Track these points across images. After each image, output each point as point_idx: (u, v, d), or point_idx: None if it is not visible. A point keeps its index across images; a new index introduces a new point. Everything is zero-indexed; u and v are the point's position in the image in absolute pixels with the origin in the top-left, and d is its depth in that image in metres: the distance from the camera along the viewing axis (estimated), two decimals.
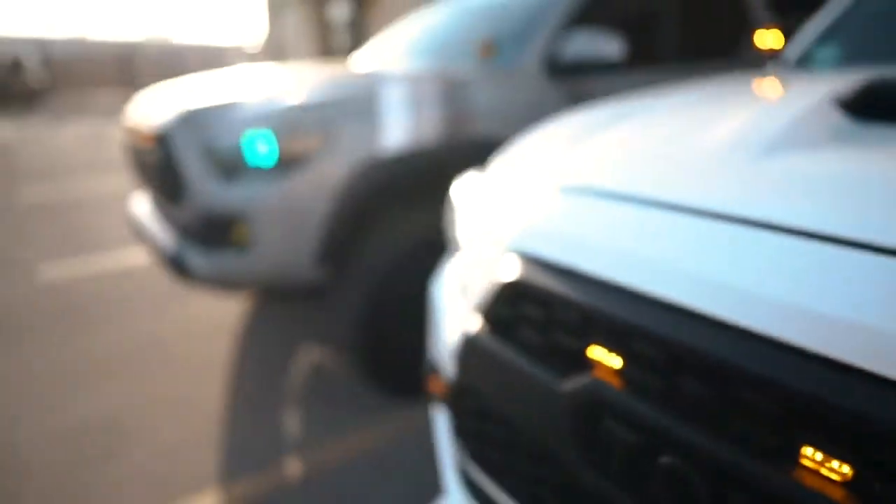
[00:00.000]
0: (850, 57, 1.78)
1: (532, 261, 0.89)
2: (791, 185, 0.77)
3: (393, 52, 3.59)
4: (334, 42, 12.60)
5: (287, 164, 2.28)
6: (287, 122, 2.27)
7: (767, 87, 1.44)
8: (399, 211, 2.51)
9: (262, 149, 2.25)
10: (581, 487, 0.80)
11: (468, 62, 2.86)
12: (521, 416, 0.87)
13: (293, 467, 2.08)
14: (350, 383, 2.69)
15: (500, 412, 0.92)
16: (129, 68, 18.38)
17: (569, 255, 0.86)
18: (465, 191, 1.40)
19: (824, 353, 0.57)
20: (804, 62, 1.85)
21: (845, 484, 0.54)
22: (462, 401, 1.00)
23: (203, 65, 21.74)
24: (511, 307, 0.90)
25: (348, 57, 3.73)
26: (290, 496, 1.91)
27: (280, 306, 3.55)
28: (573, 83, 2.98)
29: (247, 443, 2.25)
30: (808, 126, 0.99)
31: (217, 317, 3.43)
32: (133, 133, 2.79)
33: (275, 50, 14.92)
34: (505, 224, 1.05)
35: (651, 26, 3.37)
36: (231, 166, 2.30)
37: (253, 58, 19.69)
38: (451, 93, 2.60)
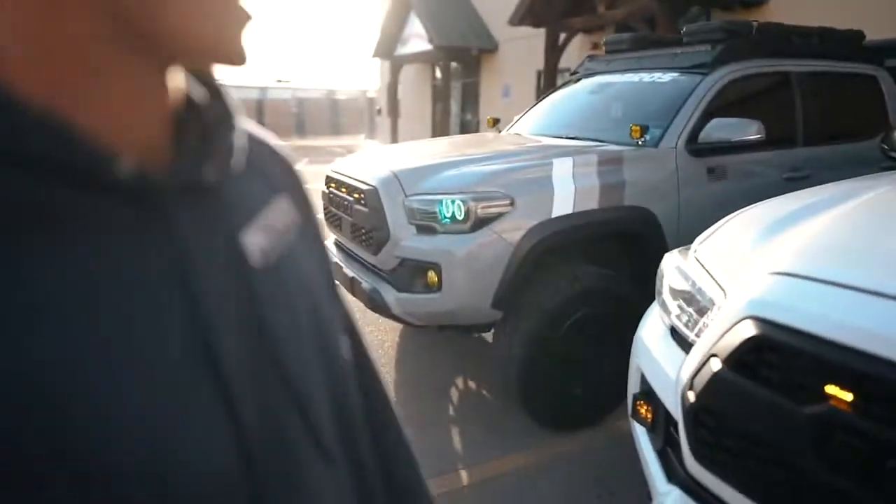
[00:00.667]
0: None
1: (770, 324, 1.28)
2: None
3: (550, 125, 4.06)
4: (441, 98, 13.48)
5: (475, 224, 2.75)
6: (478, 192, 2.75)
7: None
8: (561, 265, 2.92)
9: (456, 212, 2.73)
10: (808, 480, 1.16)
11: (623, 140, 3.28)
12: (761, 431, 1.24)
13: (459, 478, 2.48)
14: (505, 411, 3.08)
15: (739, 428, 1.29)
16: (259, 112, 20.22)
17: (801, 322, 1.23)
18: (673, 263, 1.80)
19: None
20: None
21: None
22: (701, 420, 1.38)
23: (328, 109, 23.49)
24: (753, 354, 1.28)
25: (496, 124, 4.23)
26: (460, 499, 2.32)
27: (433, 334, 3.99)
28: (710, 160, 3.34)
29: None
30: None
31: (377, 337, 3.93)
32: (338, 184, 3.37)
33: (391, 101, 16.03)
34: (732, 294, 1.44)
35: (779, 112, 3.70)
36: (428, 224, 2.80)
37: (372, 105, 21.02)
38: (610, 167, 3.02)
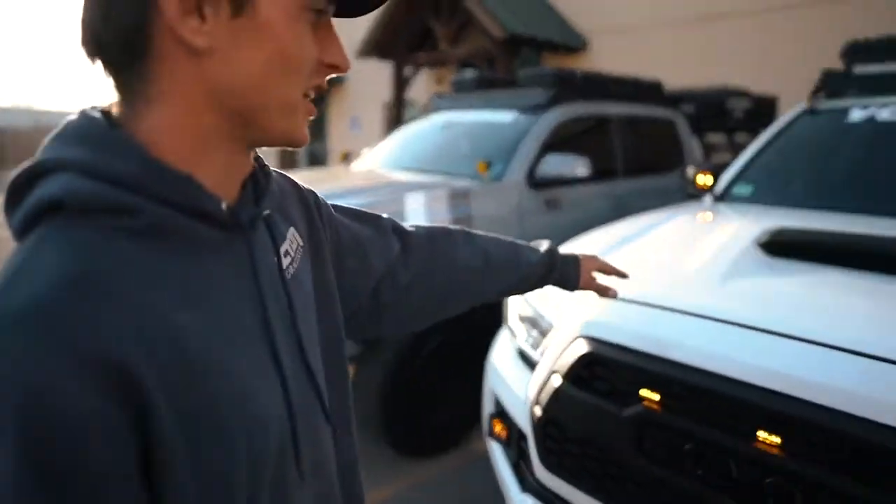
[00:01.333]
0: (756, 195, 2.57)
1: (598, 341, 1.50)
2: (748, 298, 1.43)
3: (402, 159, 4.22)
4: None
5: None
6: None
7: (708, 221, 2.17)
8: None
9: None
10: (633, 473, 1.38)
11: (470, 174, 3.53)
12: (595, 434, 1.44)
13: None
14: (368, 444, 3.12)
15: (578, 434, 1.49)
16: None
17: (621, 337, 1.47)
18: None
19: (781, 391, 1.20)
20: (724, 197, 2.63)
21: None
22: (547, 431, 1.57)
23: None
24: (586, 368, 1.50)
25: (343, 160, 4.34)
26: None
27: None
28: (547, 192, 3.71)
29: None
30: (745, 260, 1.68)
31: None
32: None
33: None
34: (568, 318, 1.66)
35: (602, 149, 4.21)
36: None
37: None
38: (459, 201, 3.25)
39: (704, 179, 2.65)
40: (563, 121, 3.92)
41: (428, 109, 4.79)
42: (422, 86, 10.56)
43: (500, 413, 1.91)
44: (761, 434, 1.19)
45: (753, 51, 7.14)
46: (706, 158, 4.88)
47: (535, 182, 3.66)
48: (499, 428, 1.91)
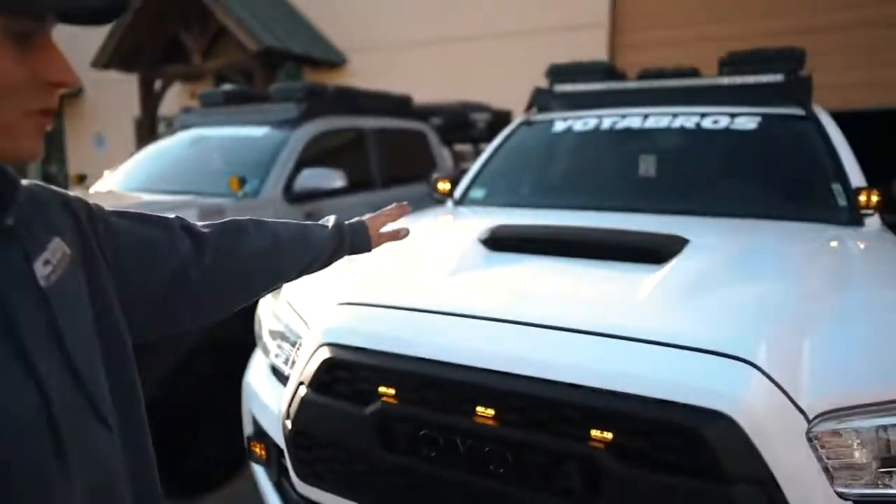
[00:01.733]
0: (488, 197, 2.87)
1: (338, 346, 1.54)
2: (468, 291, 1.59)
3: (147, 180, 3.86)
4: None
5: None
6: None
7: (445, 223, 2.37)
8: None
9: None
10: (380, 467, 1.45)
11: (223, 192, 3.37)
12: (342, 436, 1.48)
13: None
14: None
15: (327, 440, 1.52)
16: None
17: (358, 340, 1.53)
18: (268, 307, 1.98)
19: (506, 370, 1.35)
20: (462, 201, 2.89)
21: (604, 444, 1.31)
22: (299, 442, 1.57)
23: None
24: (328, 374, 1.53)
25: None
26: None
27: None
28: (306, 206, 3.70)
29: None
30: (469, 255, 1.86)
31: None
32: None
33: None
34: (312, 327, 1.68)
35: (359, 161, 4.34)
36: None
37: None
38: (212, 219, 3.08)
39: (444, 185, 2.88)
40: (317, 134, 3.95)
41: (175, 125, 4.46)
42: (174, 100, 9.80)
43: (258, 433, 1.86)
44: (479, 409, 1.34)
45: (492, 70, 7.96)
46: (455, 166, 5.30)
47: (294, 196, 3.64)
48: (258, 449, 1.86)
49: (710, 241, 1.83)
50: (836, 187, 2.37)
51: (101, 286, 0.74)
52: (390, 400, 1.43)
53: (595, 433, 1.23)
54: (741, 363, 1.22)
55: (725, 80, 2.89)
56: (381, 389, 1.45)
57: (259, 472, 1.91)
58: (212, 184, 3.56)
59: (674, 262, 1.66)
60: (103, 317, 0.72)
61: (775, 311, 1.40)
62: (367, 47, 8.59)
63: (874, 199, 2.17)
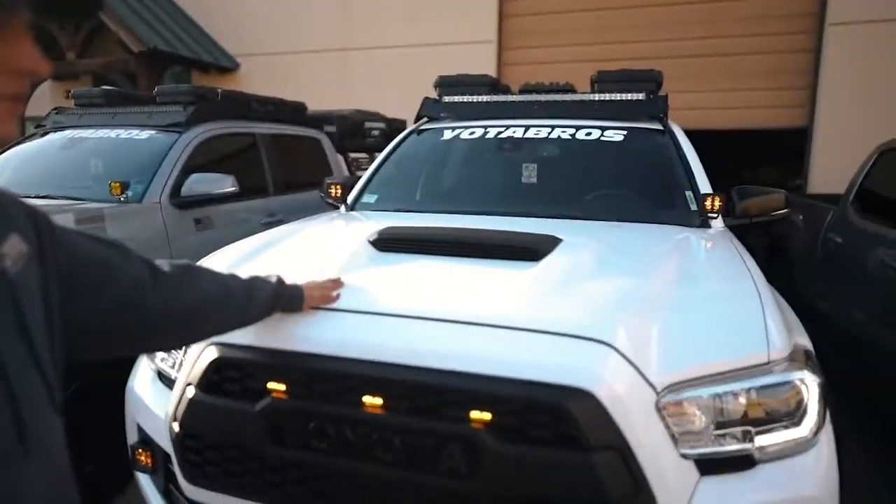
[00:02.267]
0: (380, 202, 2.93)
1: (226, 345, 1.53)
2: (356, 287, 1.63)
3: (13, 184, 3.55)
4: None
5: None
6: None
7: (336, 226, 2.40)
8: None
9: None
10: (271, 463, 1.46)
11: (103, 197, 3.18)
12: (233, 435, 1.47)
13: None
14: None
15: (216, 440, 1.50)
16: None
17: (247, 338, 1.53)
18: None
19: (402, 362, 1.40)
20: (355, 206, 2.93)
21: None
22: (187, 445, 1.54)
23: None
24: (217, 374, 1.51)
25: None
26: None
27: None
28: (196, 211, 3.57)
29: None
30: (358, 255, 1.91)
31: None
32: None
33: None
34: None
35: (251, 167, 4.24)
36: None
37: None
38: (91, 225, 2.90)
39: (335, 191, 2.90)
40: (206, 138, 3.83)
41: (46, 126, 4.14)
42: (46, 100, 9.02)
43: (144, 441, 1.79)
44: (367, 399, 1.38)
45: (388, 80, 8.04)
46: (351, 174, 5.31)
47: (182, 202, 3.50)
48: (143, 457, 1.79)
49: (580, 241, 1.99)
50: (689, 194, 2.66)
51: (51, 292, 0.75)
52: (280, 395, 1.45)
53: (475, 415, 1.31)
54: (600, 345, 1.36)
55: (596, 97, 3.14)
56: (271, 385, 1.46)
57: (144, 481, 1.84)
58: (89, 188, 3.36)
59: (547, 259, 1.80)
60: (51, 321, 0.73)
61: (630, 300, 1.56)
62: (260, 53, 8.38)
63: (717, 203, 2.45)
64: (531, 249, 1.84)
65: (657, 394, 1.35)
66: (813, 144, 6.80)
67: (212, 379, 1.52)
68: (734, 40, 6.93)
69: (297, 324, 1.53)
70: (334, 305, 1.56)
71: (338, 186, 2.90)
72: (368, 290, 1.65)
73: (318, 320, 1.53)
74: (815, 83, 6.77)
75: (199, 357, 1.55)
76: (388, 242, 1.97)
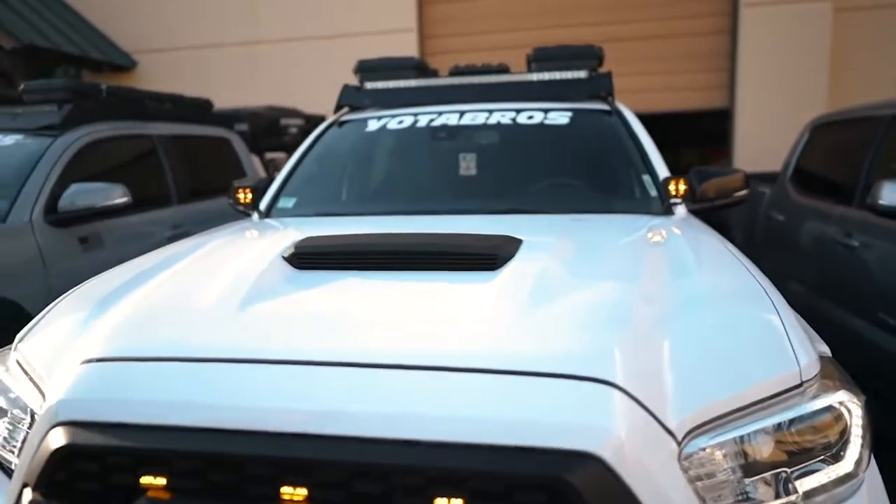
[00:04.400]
0: (299, 206, 2.47)
1: (79, 425, 1.06)
2: (265, 326, 1.20)
3: None
4: None
5: None
6: None
7: (245, 239, 1.94)
8: None
9: None
10: None
11: None
12: None
13: None
14: None
15: None
16: None
17: (109, 412, 1.06)
18: None
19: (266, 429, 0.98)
20: (269, 213, 2.45)
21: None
22: None
23: None
24: (65, 468, 1.04)
25: None
26: None
27: None
28: (80, 229, 2.99)
29: None
30: (269, 277, 1.47)
31: None
32: None
33: None
34: (47, 399, 1.17)
35: (149, 174, 3.65)
36: None
37: None
38: None
39: (245, 196, 2.42)
40: (88, 143, 3.22)
41: None
42: None
43: None
44: (285, 491, 0.96)
45: (305, 74, 7.45)
46: (268, 174, 4.77)
47: (60, 218, 2.90)
48: None
49: (542, 240, 1.63)
50: (647, 179, 2.36)
51: None
52: (160, 495, 1.00)
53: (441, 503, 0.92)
54: (601, 385, 1.00)
55: (535, 76, 2.80)
56: (146, 481, 1.01)
57: None
58: None
59: (509, 266, 1.43)
60: None
61: (621, 316, 1.21)
62: (160, 49, 7.57)
63: (682, 188, 2.17)
64: (488, 255, 1.46)
65: (678, 443, 1.01)
66: (735, 126, 6.81)
67: (58, 478, 1.05)
68: (654, 23, 6.85)
69: (181, 387, 1.08)
70: (233, 353, 1.13)
71: (248, 191, 2.41)
72: (280, 328, 1.23)
73: (209, 378, 1.09)
74: (733, 65, 6.78)
75: (40, 444, 1.08)
76: (306, 258, 1.54)
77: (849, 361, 1.44)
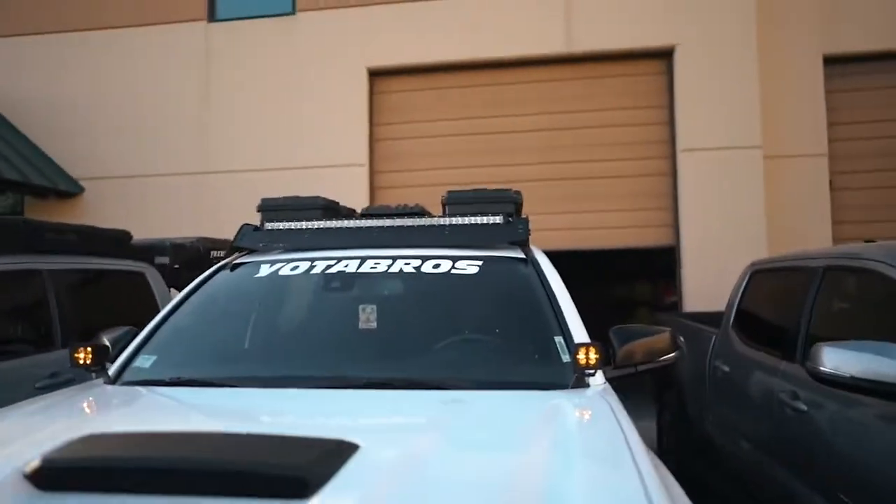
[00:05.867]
0: (158, 367, 2.04)
1: None
2: None
3: None
4: None
5: None
6: None
7: (21, 426, 1.49)
8: None
9: None
10: None
11: None
12: None
13: None
14: None
15: None
16: None
17: None
18: None
19: None
20: (121, 375, 2.01)
21: None
22: None
23: None
24: None
25: None
26: None
27: None
28: None
29: None
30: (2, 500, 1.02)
31: None
32: None
33: None
34: None
35: (29, 314, 3.21)
36: None
37: None
38: None
39: (85, 357, 1.97)
40: None
41: None
42: None
43: None
44: None
45: (253, 205, 7.26)
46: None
47: None
48: None
49: (388, 445, 1.22)
50: (559, 341, 2.02)
51: None
52: None
53: None
54: None
55: (447, 221, 2.55)
56: None
57: None
58: None
59: (322, 493, 1.01)
60: None
61: None
62: (110, 176, 7.38)
63: (593, 357, 1.82)
64: (295, 480, 1.04)
65: None
66: (682, 263, 6.71)
67: None
68: (602, 164, 6.95)
69: None
70: None
71: (86, 351, 1.97)
72: None
73: None
74: (675, 205, 6.81)
75: None
76: (54, 475, 1.10)
77: None
